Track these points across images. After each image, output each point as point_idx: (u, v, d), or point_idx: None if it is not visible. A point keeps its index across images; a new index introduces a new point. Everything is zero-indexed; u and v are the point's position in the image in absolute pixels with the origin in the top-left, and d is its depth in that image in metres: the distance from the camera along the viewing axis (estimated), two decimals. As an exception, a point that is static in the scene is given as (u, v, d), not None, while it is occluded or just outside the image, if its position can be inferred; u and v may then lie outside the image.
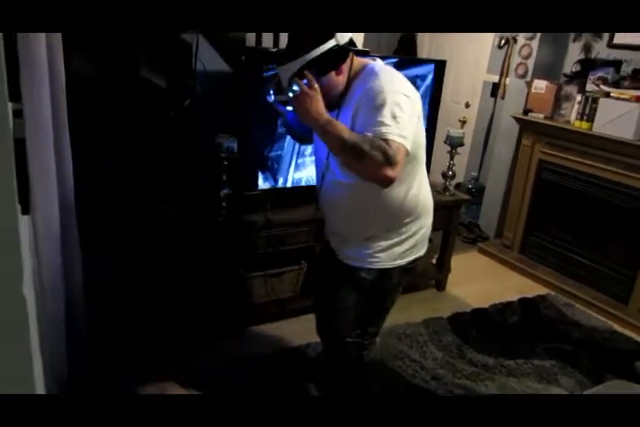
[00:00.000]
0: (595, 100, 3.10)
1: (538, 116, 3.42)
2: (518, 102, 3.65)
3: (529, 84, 3.56)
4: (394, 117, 1.44)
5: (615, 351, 2.62)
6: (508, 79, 3.94)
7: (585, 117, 3.15)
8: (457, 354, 2.54)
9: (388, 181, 1.44)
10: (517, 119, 3.56)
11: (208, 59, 2.54)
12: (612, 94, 3.03)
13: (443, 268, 3.18)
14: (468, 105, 4.45)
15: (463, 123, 3.58)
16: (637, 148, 2.85)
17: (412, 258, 1.76)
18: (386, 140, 1.42)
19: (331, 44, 1.49)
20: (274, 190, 2.63)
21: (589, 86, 3.23)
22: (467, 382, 2.33)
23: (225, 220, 2.48)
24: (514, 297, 3.10)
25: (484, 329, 2.76)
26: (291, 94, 1.48)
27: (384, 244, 1.69)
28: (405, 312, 2.81)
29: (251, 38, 2.80)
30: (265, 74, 2.28)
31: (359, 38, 3.71)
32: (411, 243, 1.73)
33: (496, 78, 4.11)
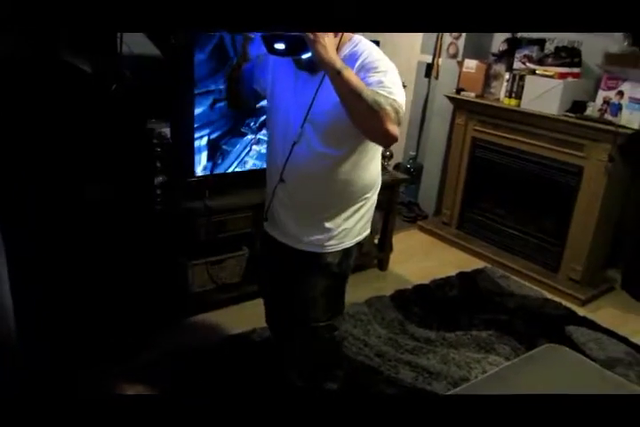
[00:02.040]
0: (521, 78, 3.20)
1: (469, 95, 3.50)
2: (451, 82, 3.72)
3: (460, 64, 3.64)
4: (393, 84, 1.47)
5: (547, 318, 2.76)
6: (440, 59, 4.00)
7: (513, 95, 3.24)
8: (400, 330, 2.60)
9: (393, 139, 1.43)
10: (450, 98, 3.63)
11: (135, 41, 2.45)
12: (537, 72, 3.13)
13: (384, 247, 3.23)
14: (404, 86, 4.48)
15: (399, 103, 3.65)
16: (561, 122, 2.97)
17: (366, 233, 1.80)
18: (394, 100, 1.42)
19: None
20: (213, 176, 2.59)
21: (516, 64, 3.32)
22: (410, 357, 2.39)
23: (161, 208, 2.43)
24: (453, 272, 3.20)
25: (425, 305, 2.84)
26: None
27: (346, 224, 1.69)
28: (349, 293, 2.78)
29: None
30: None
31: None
32: (366, 218, 1.77)
33: (430, 59, 4.16)
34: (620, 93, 2.80)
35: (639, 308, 3.00)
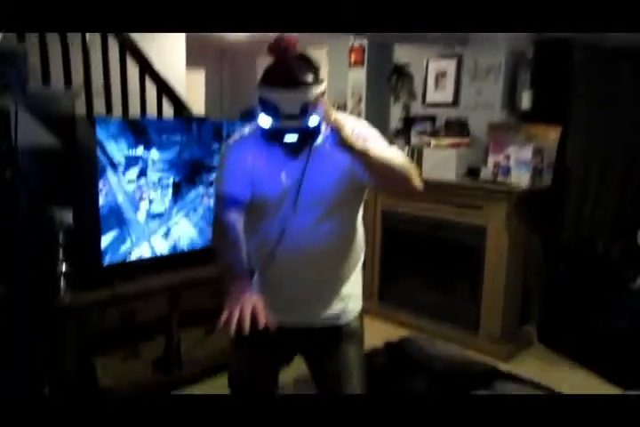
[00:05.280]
0: (419, 151, 3.42)
1: (374, 170, 3.67)
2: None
3: (363, 143, 3.84)
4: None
5: (475, 376, 2.74)
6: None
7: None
8: (330, 406, 2.48)
9: (420, 192, 1.44)
10: (357, 175, 3.78)
11: (31, 129, 2.43)
12: (432, 144, 3.37)
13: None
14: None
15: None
16: (460, 187, 3.17)
17: None
18: (403, 155, 1.46)
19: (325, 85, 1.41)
20: (121, 264, 2.50)
21: (413, 140, 3.58)
22: None
23: (67, 298, 2.29)
24: (380, 343, 3.16)
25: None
26: (315, 119, 1.36)
27: (359, 284, 1.68)
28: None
29: (80, 107, 2.75)
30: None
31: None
32: None
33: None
34: (507, 157, 3.04)
35: (558, 358, 3.08)
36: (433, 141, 3.38)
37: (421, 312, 3.51)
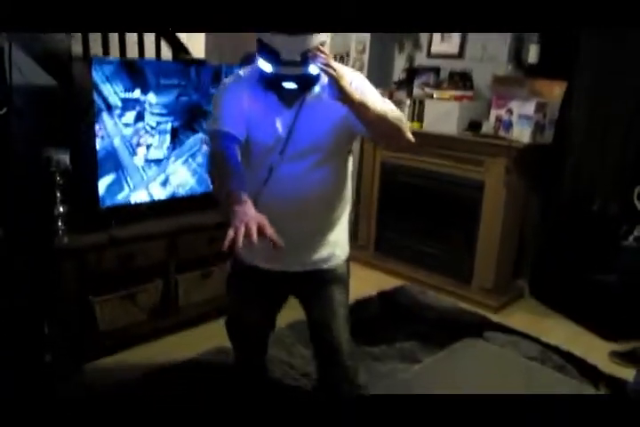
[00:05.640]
0: (421, 103, 3.37)
1: (375, 122, 3.63)
2: (357, 111, 3.84)
3: (364, 94, 3.78)
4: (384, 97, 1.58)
5: (465, 326, 2.82)
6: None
7: (415, 118, 3.40)
8: (323, 350, 2.55)
9: (412, 144, 1.55)
10: (357, 126, 3.74)
11: (27, 69, 2.38)
12: (434, 96, 3.32)
13: (303, 272, 3.21)
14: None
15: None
16: (460, 141, 3.14)
17: None
18: (398, 109, 1.54)
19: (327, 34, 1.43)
20: (120, 205, 2.50)
21: (416, 91, 3.52)
22: (335, 375, 2.34)
23: (65, 240, 2.30)
24: (374, 292, 3.22)
25: (347, 324, 2.82)
26: (317, 67, 1.36)
27: (345, 232, 1.77)
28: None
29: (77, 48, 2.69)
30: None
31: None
32: None
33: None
34: (510, 111, 3.00)
35: (547, 311, 3.15)
36: (436, 94, 3.33)
37: (416, 263, 3.56)
